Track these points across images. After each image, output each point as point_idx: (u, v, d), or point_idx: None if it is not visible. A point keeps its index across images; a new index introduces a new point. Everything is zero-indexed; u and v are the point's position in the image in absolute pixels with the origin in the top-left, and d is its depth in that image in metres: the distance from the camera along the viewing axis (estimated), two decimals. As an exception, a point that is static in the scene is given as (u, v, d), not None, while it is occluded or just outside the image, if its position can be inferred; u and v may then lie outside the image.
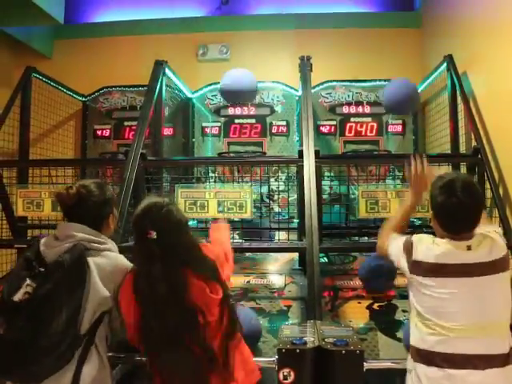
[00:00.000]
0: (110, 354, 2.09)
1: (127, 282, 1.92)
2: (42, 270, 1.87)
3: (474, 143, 3.75)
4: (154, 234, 1.83)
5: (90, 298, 1.89)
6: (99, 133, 5.52)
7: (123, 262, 2.05)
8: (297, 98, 5.24)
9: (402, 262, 2.15)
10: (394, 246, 2.23)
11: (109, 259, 1.99)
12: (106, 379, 2.00)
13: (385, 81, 5.29)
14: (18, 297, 1.83)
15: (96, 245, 1.99)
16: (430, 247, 2.08)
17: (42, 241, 1.99)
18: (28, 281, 1.85)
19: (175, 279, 1.85)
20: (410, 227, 3.80)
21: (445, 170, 3.60)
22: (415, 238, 2.16)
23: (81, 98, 5.62)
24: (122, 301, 1.92)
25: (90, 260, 1.92)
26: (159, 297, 1.82)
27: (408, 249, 2.13)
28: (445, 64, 4.29)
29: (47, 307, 1.80)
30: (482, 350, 1.91)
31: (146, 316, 1.85)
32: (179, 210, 2.00)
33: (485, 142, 3.69)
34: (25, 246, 3.39)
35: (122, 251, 2.16)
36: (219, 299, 1.90)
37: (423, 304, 2.03)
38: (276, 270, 3.79)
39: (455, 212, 2.05)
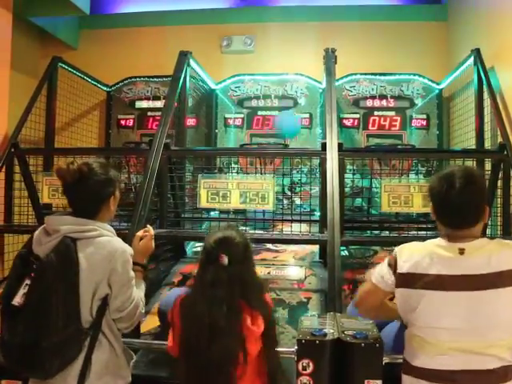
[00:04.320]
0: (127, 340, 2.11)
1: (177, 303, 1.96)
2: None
3: (499, 139, 3.70)
4: (225, 260, 1.86)
5: (84, 291, 1.85)
6: (123, 123, 5.57)
7: (115, 245, 1.96)
8: (320, 90, 5.22)
9: (385, 276, 1.95)
10: (375, 271, 2.03)
11: (98, 246, 1.91)
12: (118, 365, 1.98)
13: (409, 75, 5.26)
14: (16, 300, 1.82)
15: (85, 233, 1.91)
16: (415, 255, 1.90)
17: (34, 235, 1.96)
18: (27, 280, 1.84)
19: (234, 309, 1.86)
20: (430, 222, 3.81)
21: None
22: (397, 248, 1.99)
23: (105, 88, 5.68)
24: (174, 317, 1.96)
25: (80, 252, 1.87)
26: (212, 323, 1.83)
27: (391, 263, 1.95)
28: (471, 58, 4.22)
29: (43, 310, 1.78)
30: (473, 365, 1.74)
31: (190, 340, 1.86)
32: (250, 245, 2.03)
33: (511, 138, 3.63)
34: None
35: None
36: (259, 333, 1.88)
37: (411, 317, 1.89)
38: (296, 262, 3.80)
39: (452, 201, 1.85)
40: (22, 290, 1.82)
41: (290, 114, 4.75)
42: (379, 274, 1.99)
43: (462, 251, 1.79)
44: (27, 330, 1.78)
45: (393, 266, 1.94)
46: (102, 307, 1.91)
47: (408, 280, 1.87)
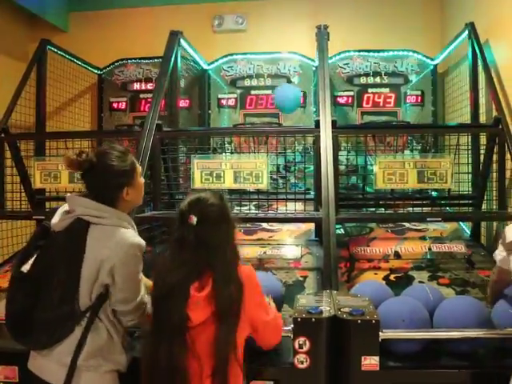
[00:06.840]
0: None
1: None
2: None
3: (494, 113, 3.67)
4: (194, 220, 1.76)
5: (85, 275, 1.83)
6: (115, 105, 5.52)
7: (125, 236, 1.90)
8: (314, 68, 5.16)
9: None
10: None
11: (108, 234, 1.88)
12: (113, 351, 1.93)
13: (403, 51, 5.20)
14: (25, 267, 1.85)
15: (99, 219, 1.88)
16: None
17: (59, 210, 1.97)
18: (39, 251, 1.88)
19: (196, 275, 1.77)
20: (425, 199, 3.81)
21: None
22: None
23: (96, 71, 5.60)
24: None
25: (90, 236, 1.86)
26: (172, 286, 1.76)
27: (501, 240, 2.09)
28: (466, 32, 4.16)
29: (42, 284, 1.81)
30: None
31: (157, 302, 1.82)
32: (228, 209, 1.91)
33: (506, 112, 3.61)
34: (43, 217, 3.42)
35: (136, 222, 2.12)
36: (203, 296, 1.74)
37: None
38: (292, 241, 3.79)
39: None
40: (32, 260, 1.87)
41: (290, 86, 4.76)
42: (498, 256, 2.12)
43: None
44: (25, 299, 1.82)
45: (503, 238, 2.06)
46: (104, 294, 1.89)
47: None
